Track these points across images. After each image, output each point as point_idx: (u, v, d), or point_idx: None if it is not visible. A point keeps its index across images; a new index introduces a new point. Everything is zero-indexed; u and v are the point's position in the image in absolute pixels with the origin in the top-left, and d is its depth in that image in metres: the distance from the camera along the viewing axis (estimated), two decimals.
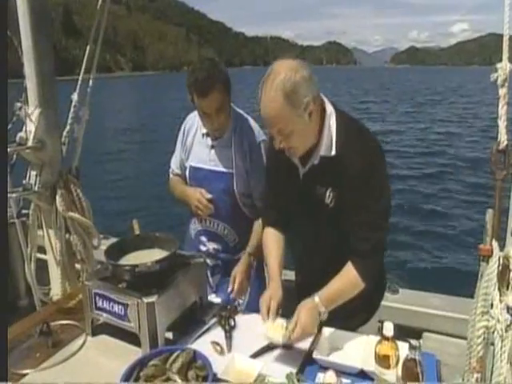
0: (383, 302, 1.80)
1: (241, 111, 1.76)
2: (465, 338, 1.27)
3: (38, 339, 1.24)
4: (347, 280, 1.19)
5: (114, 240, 2.56)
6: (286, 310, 1.22)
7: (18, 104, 1.59)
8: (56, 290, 1.75)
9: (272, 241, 1.38)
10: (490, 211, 1.01)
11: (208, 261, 1.81)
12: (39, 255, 1.88)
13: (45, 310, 1.45)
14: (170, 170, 1.88)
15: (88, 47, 1.69)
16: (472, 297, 1.25)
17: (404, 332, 1.79)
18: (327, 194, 1.19)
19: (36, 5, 1.47)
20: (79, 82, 1.69)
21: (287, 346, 1.19)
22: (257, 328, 1.27)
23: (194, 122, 1.79)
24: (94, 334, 1.28)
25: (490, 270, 0.93)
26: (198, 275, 1.36)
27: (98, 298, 1.22)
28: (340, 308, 1.20)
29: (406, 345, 0.99)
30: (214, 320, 1.32)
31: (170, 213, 6.01)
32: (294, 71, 1.06)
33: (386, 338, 0.97)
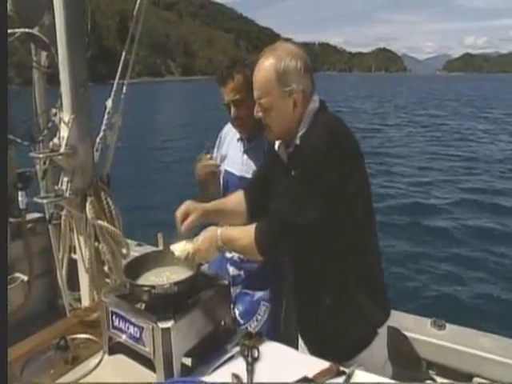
0: (427, 338, 1.61)
1: None
2: None
3: (55, 354, 1.21)
4: (246, 232, 1.20)
5: (148, 248, 2.55)
6: None
7: (54, 110, 1.60)
8: (85, 298, 1.74)
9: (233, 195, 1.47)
10: None
11: (230, 269, 1.75)
12: (74, 256, 1.88)
13: (65, 321, 1.42)
14: None
15: (123, 54, 1.67)
16: None
17: (451, 374, 1.58)
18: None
19: (72, 14, 1.48)
20: (113, 89, 1.66)
21: None
22: (282, 362, 1.16)
23: (230, 128, 1.80)
24: (111, 353, 1.22)
25: None
26: (222, 299, 1.26)
27: (114, 316, 1.16)
28: (334, 324, 1.25)
29: None
30: (237, 349, 1.21)
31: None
32: (291, 56, 1.15)
33: None
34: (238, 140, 1.76)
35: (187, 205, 1.34)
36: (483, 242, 6.22)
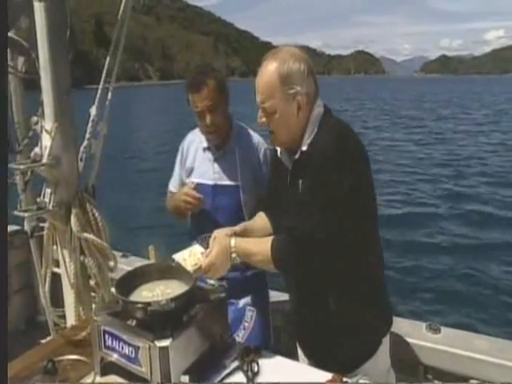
0: (423, 343, 1.61)
1: (243, 124, 1.76)
2: None
3: (43, 379, 1.13)
4: (263, 246, 1.17)
5: (133, 258, 2.48)
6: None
7: (35, 118, 1.52)
8: (70, 315, 1.65)
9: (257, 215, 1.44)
10: None
11: (212, 282, 1.73)
12: (57, 269, 1.79)
13: (51, 342, 1.34)
14: (168, 191, 1.84)
15: (108, 58, 1.60)
16: None
17: (448, 377, 1.58)
18: (300, 187, 1.17)
19: (54, 18, 1.41)
20: (98, 95, 1.60)
21: None
22: (283, 375, 1.13)
23: (193, 140, 1.76)
24: (103, 374, 1.16)
25: None
26: (219, 312, 1.22)
27: (107, 336, 1.09)
28: (337, 331, 1.22)
29: None
30: (236, 364, 1.17)
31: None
32: (294, 59, 1.13)
33: None
34: (204, 150, 1.71)
35: (214, 233, 1.28)
36: (462, 249, 6.27)
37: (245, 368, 1.15)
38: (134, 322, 1.09)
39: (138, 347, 1.02)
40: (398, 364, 1.53)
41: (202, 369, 1.13)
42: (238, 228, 1.32)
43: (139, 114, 34.30)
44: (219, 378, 1.12)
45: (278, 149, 1.28)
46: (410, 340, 1.62)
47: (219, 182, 1.66)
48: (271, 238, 1.18)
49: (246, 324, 1.71)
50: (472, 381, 1.52)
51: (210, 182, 1.67)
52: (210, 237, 1.59)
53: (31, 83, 1.88)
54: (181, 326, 1.06)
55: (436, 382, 1.61)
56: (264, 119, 1.19)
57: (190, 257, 1.20)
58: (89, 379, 1.15)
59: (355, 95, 56.86)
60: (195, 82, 1.56)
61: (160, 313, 1.04)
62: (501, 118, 25.00)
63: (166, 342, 1.00)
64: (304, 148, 1.16)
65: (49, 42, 1.39)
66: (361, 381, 1.08)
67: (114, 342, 1.08)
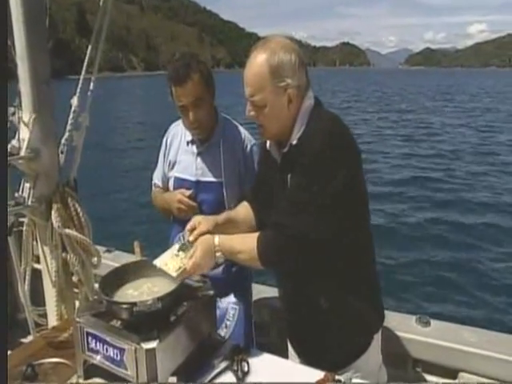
0: (412, 336, 1.61)
1: (228, 117, 1.70)
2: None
3: None
4: (249, 243, 1.13)
5: (118, 253, 2.41)
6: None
7: (12, 109, 1.44)
8: (51, 314, 1.59)
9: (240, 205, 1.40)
10: None
11: (195, 279, 1.70)
12: (37, 265, 1.72)
13: (30, 345, 1.28)
14: (153, 184, 1.79)
15: (89, 47, 1.53)
16: None
17: (438, 370, 1.59)
18: (288, 182, 1.15)
19: (31, 3, 1.32)
20: (79, 85, 1.52)
21: None
22: (274, 374, 1.10)
23: (177, 132, 1.70)
24: (86, 377, 1.11)
25: None
26: (207, 310, 1.18)
27: (90, 338, 1.05)
28: (332, 329, 1.19)
29: None
30: (225, 364, 1.14)
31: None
32: (284, 50, 1.08)
33: None
34: (188, 143, 1.65)
35: (194, 219, 1.24)
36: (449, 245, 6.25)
37: (234, 368, 1.12)
38: (119, 323, 1.05)
39: (124, 349, 0.98)
40: (386, 357, 1.53)
41: (191, 369, 1.10)
42: (220, 219, 1.28)
43: (125, 105, 33.55)
44: (208, 379, 1.09)
45: (267, 141, 1.24)
46: (399, 333, 1.62)
47: (202, 179, 1.60)
48: (256, 234, 1.14)
49: (228, 322, 1.68)
50: (461, 373, 1.53)
51: (193, 179, 1.61)
52: None
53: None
54: (168, 327, 1.03)
55: (425, 375, 1.61)
56: (253, 113, 1.14)
57: (172, 261, 1.15)
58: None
59: (341, 88, 56.76)
60: (179, 76, 1.46)
61: (146, 313, 1.00)
62: (488, 112, 25.25)
63: (152, 344, 0.96)
64: (294, 142, 1.12)
65: (26, 29, 1.31)
66: (354, 379, 1.06)
67: (98, 344, 1.04)
